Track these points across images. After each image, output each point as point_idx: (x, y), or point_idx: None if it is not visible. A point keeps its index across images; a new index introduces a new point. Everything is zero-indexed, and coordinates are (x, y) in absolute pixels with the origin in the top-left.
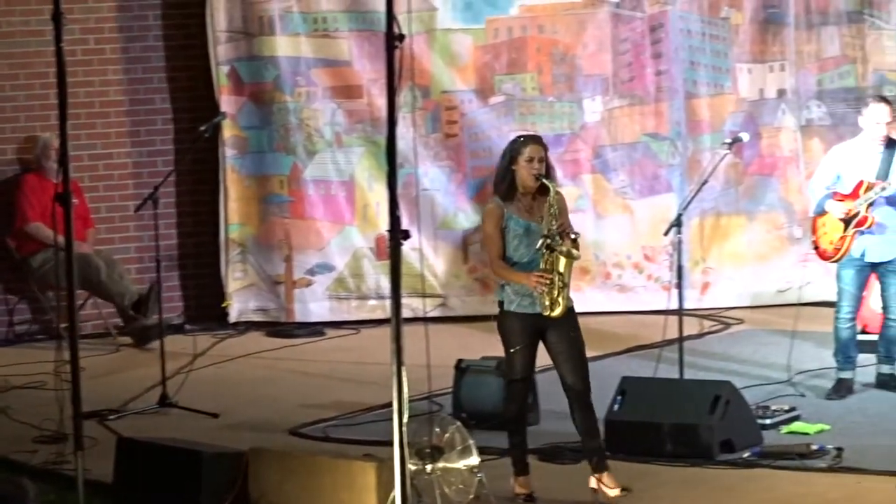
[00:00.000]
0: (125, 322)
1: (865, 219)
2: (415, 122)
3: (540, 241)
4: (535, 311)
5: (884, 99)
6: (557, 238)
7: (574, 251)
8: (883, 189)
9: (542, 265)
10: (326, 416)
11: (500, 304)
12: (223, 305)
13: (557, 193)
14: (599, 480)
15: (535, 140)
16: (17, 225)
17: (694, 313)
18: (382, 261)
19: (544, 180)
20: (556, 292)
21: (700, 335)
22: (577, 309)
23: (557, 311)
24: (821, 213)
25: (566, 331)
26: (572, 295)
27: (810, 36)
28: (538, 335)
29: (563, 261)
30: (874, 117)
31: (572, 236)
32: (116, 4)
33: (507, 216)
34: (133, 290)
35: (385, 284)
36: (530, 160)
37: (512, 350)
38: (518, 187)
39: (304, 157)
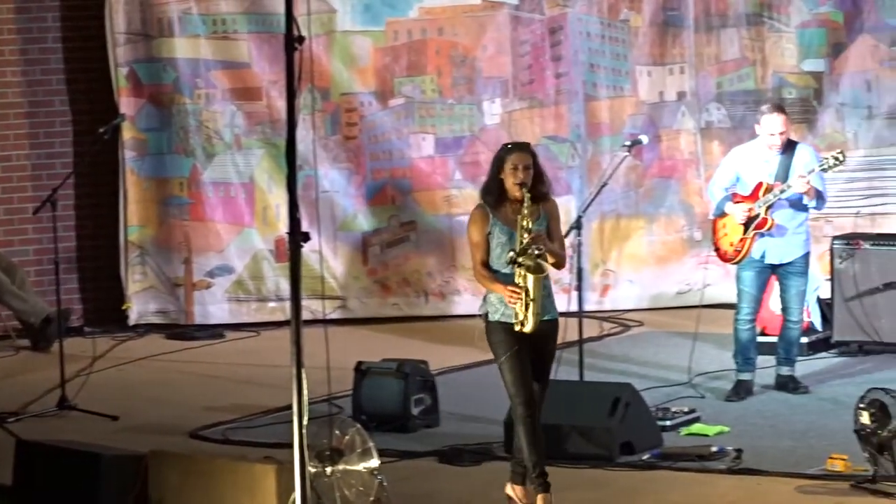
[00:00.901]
0: (30, 337)
1: (765, 221)
2: (314, 124)
3: (507, 256)
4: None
5: (778, 107)
6: (532, 251)
7: (538, 265)
8: (782, 191)
9: (515, 279)
10: (226, 418)
11: (485, 316)
12: (123, 308)
13: (542, 202)
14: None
15: (522, 148)
16: None
17: (594, 315)
18: (282, 263)
19: (525, 192)
20: (525, 308)
21: (600, 337)
22: (477, 311)
23: (528, 328)
24: (721, 215)
25: (544, 341)
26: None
27: (710, 38)
28: (526, 342)
29: (530, 277)
30: (768, 128)
31: (536, 251)
32: (15, 6)
33: (493, 223)
34: (39, 308)
35: (285, 286)
36: (514, 168)
37: (500, 361)
38: (507, 195)
39: (203, 159)
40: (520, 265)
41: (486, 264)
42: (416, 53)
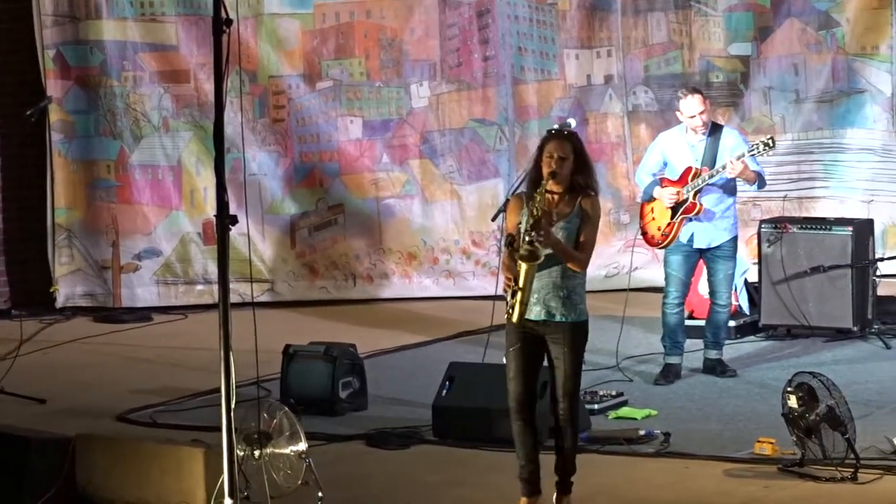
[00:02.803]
0: None
1: (694, 205)
2: (242, 107)
3: (504, 239)
4: (528, 317)
5: (693, 89)
6: (528, 237)
7: (530, 252)
8: (711, 176)
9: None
10: (154, 401)
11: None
12: (50, 290)
13: (582, 198)
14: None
15: (560, 136)
16: None
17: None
18: (210, 246)
19: (551, 179)
20: (513, 296)
21: None
22: (406, 294)
23: (514, 318)
24: (649, 199)
25: (560, 346)
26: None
27: (637, 22)
28: (536, 341)
29: (523, 265)
30: (688, 111)
31: (527, 238)
32: None
33: (524, 212)
34: None
35: (213, 269)
36: (550, 156)
37: (506, 352)
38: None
39: (131, 141)
40: (514, 251)
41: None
42: (344, 36)
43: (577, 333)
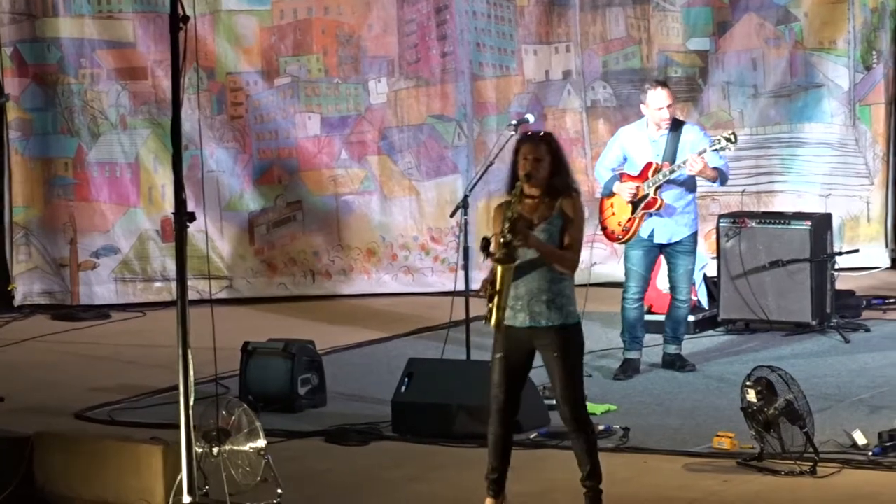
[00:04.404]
0: None
1: (655, 201)
2: (200, 104)
3: (480, 244)
4: (514, 324)
5: (660, 83)
6: (507, 238)
7: (507, 255)
8: (672, 171)
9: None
10: (112, 399)
11: None
12: (8, 289)
13: (562, 198)
14: None
15: (532, 139)
16: None
17: (481, 294)
18: (168, 243)
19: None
20: (489, 300)
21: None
22: (365, 291)
23: (492, 322)
24: (609, 194)
25: (549, 352)
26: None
27: (595, 17)
28: (522, 350)
29: (499, 268)
30: (655, 103)
31: (501, 239)
32: None
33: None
34: None
35: (171, 266)
36: (525, 158)
37: (492, 358)
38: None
39: (88, 139)
40: (489, 254)
41: None
42: (302, 33)
43: (567, 337)
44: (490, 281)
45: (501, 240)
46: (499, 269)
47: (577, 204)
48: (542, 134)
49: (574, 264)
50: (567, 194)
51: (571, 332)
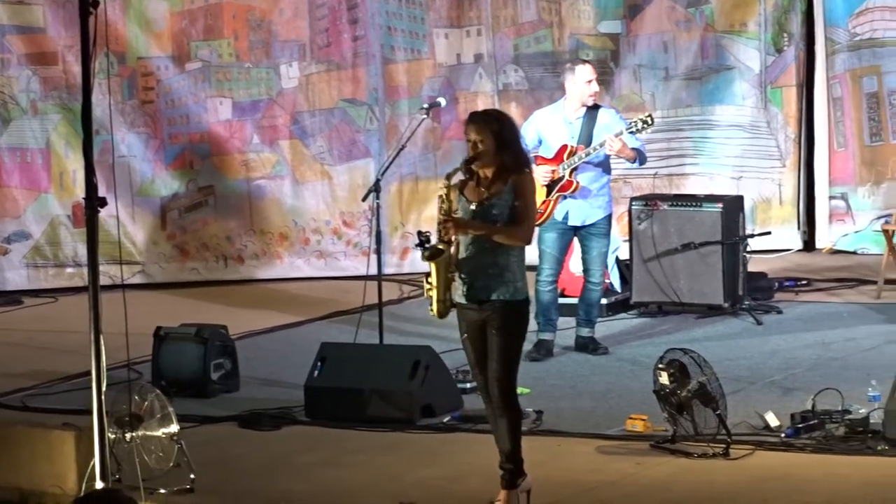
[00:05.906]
0: None
1: (570, 183)
2: (110, 89)
3: (417, 237)
4: (462, 302)
5: (585, 60)
6: (439, 234)
7: (434, 251)
8: (587, 154)
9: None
10: (24, 385)
11: None
12: None
13: (513, 175)
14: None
15: (475, 119)
16: None
17: (393, 278)
18: (80, 228)
19: (473, 164)
20: (430, 294)
21: (400, 300)
22: (278, 275)
23: (435, 314)
24: None
25: (490, 328)
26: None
27: (506, 1)
28: (479, 326)
29: (431, 264)
30: (583, 77)
31: (429, 235)
32: None
33: (458, 198)
34: None
35: (82, 252)
36: (469, 141)
37: (461, 340)
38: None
39: None
40: (424, 249)
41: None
42: (213, 17)
43: (509, 313)
44: (427, 274)
45: (431, 235)
46: (431, 264)
47: (527, 179)
48: (481, 113)
49: (525, 237)
50: (520, 170)
51: (517, 309)
